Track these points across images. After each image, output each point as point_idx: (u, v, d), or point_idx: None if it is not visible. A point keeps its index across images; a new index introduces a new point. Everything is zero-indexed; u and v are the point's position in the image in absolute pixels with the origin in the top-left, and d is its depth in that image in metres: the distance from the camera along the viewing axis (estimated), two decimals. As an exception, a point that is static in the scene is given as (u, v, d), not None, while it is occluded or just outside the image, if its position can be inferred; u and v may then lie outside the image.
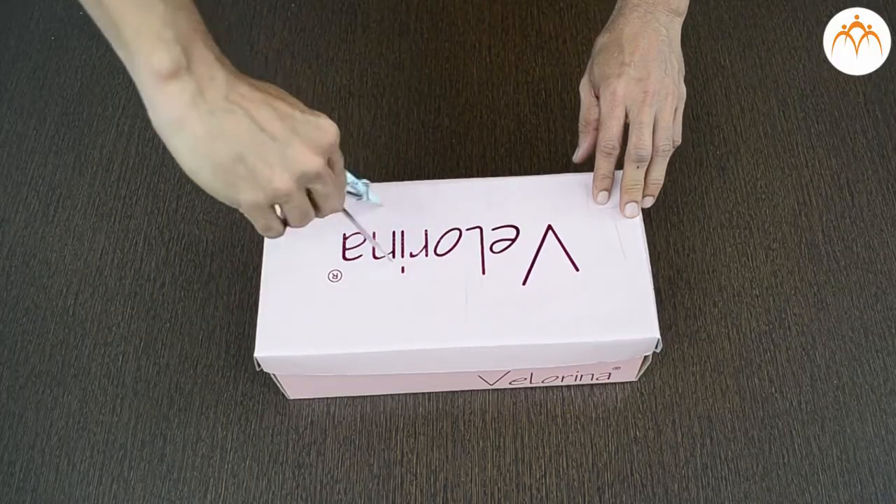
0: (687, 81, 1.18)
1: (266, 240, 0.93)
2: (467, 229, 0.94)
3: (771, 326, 1.02)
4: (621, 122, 0.91)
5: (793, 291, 1.04)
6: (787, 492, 0.92)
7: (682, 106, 0.94)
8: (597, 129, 0.95)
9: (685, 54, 1.21)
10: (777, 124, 1.17)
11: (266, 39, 1.27)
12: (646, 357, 0.93)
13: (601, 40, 0.95)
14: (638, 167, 0.92)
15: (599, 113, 0.93)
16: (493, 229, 0.94)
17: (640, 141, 0.91)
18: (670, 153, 0.93)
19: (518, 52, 1.23)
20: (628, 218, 0.94)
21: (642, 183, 0.93)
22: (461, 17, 1.29)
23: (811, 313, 1.03)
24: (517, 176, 0.98)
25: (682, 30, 1.22)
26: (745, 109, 1.19)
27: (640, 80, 0.90)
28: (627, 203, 0.93)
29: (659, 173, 0.93)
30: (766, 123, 1.17)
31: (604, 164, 0.93)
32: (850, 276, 1.05)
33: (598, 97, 0.94)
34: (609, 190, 0.94)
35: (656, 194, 0.95)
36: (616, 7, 0.96)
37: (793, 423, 0.96)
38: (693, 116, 1.18)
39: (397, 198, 0.96)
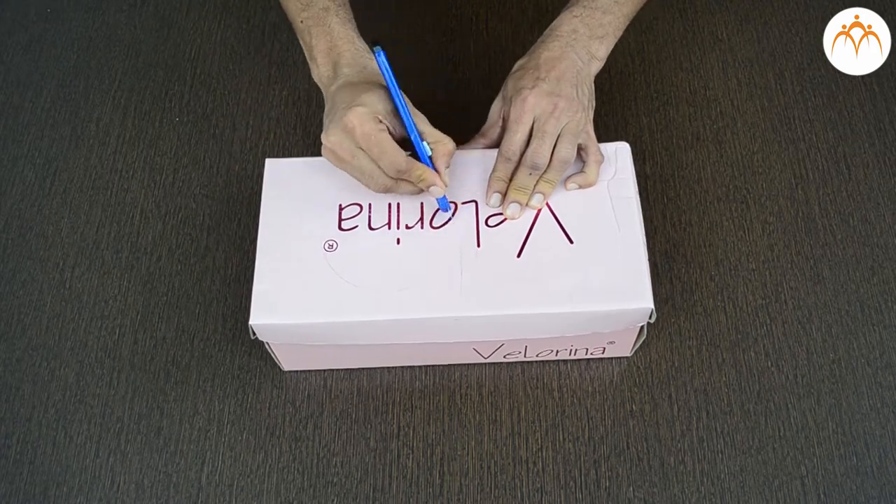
0: (684, 55, 1.20)
1: (262, 209, 0.94)
2: (463, 203, 0.94)
3: (767, 300, 1.02)
4: (527, 130, 0.93)
5: (789, 265, 1.04)
6: (783, 465, 0.93)
7: (592, 130, 0.97)
8: (489, 139, 0.98)
9: (682, 26, 1.23)
10: (774, 98, 1.17)
11: (262, 13, 1.27)
12: (641, 329, 0.94)
13: (519, 63, 0.98)
14: (531, 174, 0.93)
15: (507, 121, 0.95)
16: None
17: (540, 149, 0.92)
18: (567, 166, 0.94)
19: (515, 26, 1.23)
20: (509, 218, 0.93)
21: (530, 189, 0.93)
22: (458, -9, 1.28)
23: (807, 287, 1.03)
24: None
25: (679, 2, 1.23)
26: (742, 83, 1.18)
27: (552, 94, 0.93)
28: (511, 202, 0.93)
29: (554, 176, 0.94)
30: (763, 97, 1.17)
31: (501, 168, 0.94)
32: (846, 250, 1.05)
33: (504, 118, 0.96)
34: (503, 193, 0.94)
35: (547, 193, 0.94)
36: (541, 37, 0.99)
37: (788, 396, 0.96)
38: (690, 90, 1.18)
39: None
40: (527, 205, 0.93)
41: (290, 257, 0.91)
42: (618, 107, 1.16)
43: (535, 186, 0.93)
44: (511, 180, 0.93)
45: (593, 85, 0.98)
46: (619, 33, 1.00)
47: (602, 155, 0.96)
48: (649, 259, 0.90)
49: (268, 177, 0.96)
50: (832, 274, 1.04)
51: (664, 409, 0.96)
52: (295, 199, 0.95)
